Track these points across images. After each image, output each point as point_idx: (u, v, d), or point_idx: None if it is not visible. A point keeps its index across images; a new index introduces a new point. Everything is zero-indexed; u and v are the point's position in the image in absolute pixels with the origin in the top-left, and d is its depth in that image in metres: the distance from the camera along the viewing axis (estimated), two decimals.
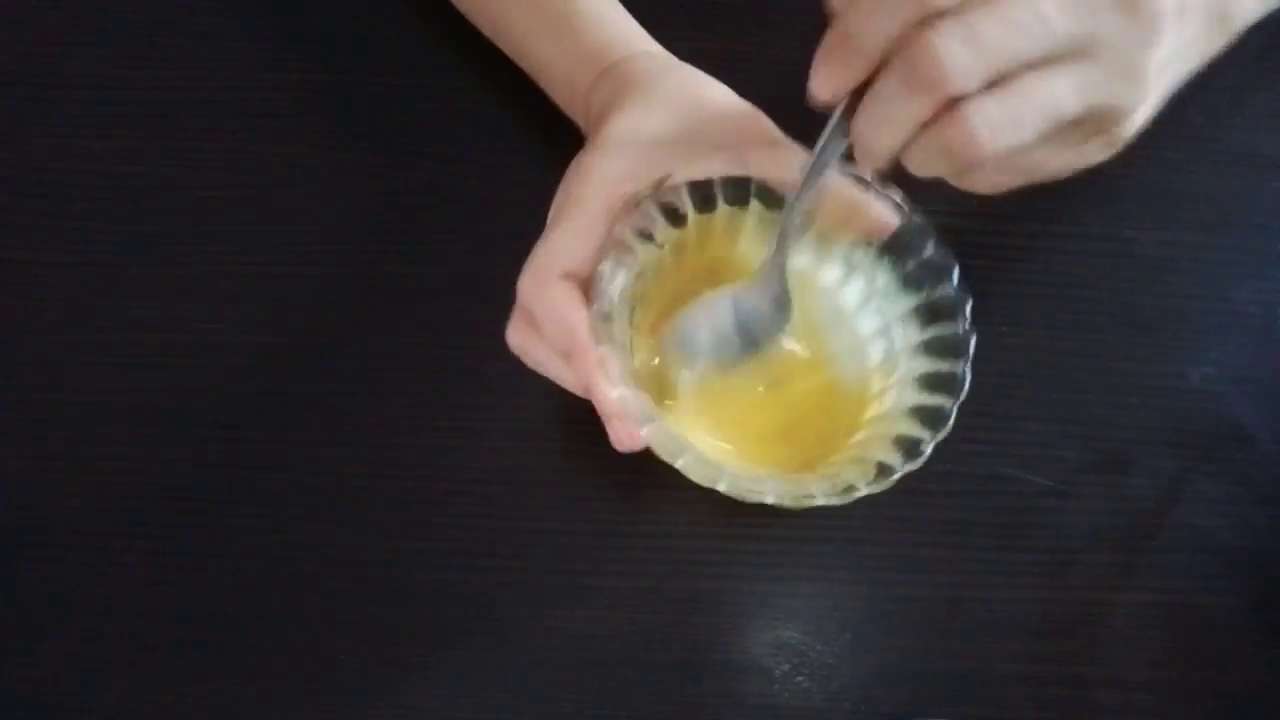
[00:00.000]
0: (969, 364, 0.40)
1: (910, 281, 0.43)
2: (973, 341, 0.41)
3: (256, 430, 0.49)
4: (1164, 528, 0.48)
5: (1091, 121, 0.36)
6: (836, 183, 0.41)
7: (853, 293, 0.45)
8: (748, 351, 0.43)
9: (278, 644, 0.46)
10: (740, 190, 0.42)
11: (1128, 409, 0.50)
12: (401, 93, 0.55)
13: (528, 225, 0.42)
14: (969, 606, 0.47)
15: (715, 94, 0.44)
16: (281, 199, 0.53)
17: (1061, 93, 0.34)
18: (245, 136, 0.54)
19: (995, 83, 0.34)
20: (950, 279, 0.42)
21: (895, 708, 0.45)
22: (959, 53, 0.33)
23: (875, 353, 0.44)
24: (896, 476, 0.39)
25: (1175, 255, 0.53)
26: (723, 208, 0.43)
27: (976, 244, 0.51)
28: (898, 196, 0.42)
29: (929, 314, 0.42)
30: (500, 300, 0.42)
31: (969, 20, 0.33)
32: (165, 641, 0.46)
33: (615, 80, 0.45)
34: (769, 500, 0.38)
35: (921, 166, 0.36)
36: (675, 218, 0.42)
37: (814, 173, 0.38)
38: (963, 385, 0.40)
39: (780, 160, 0.42)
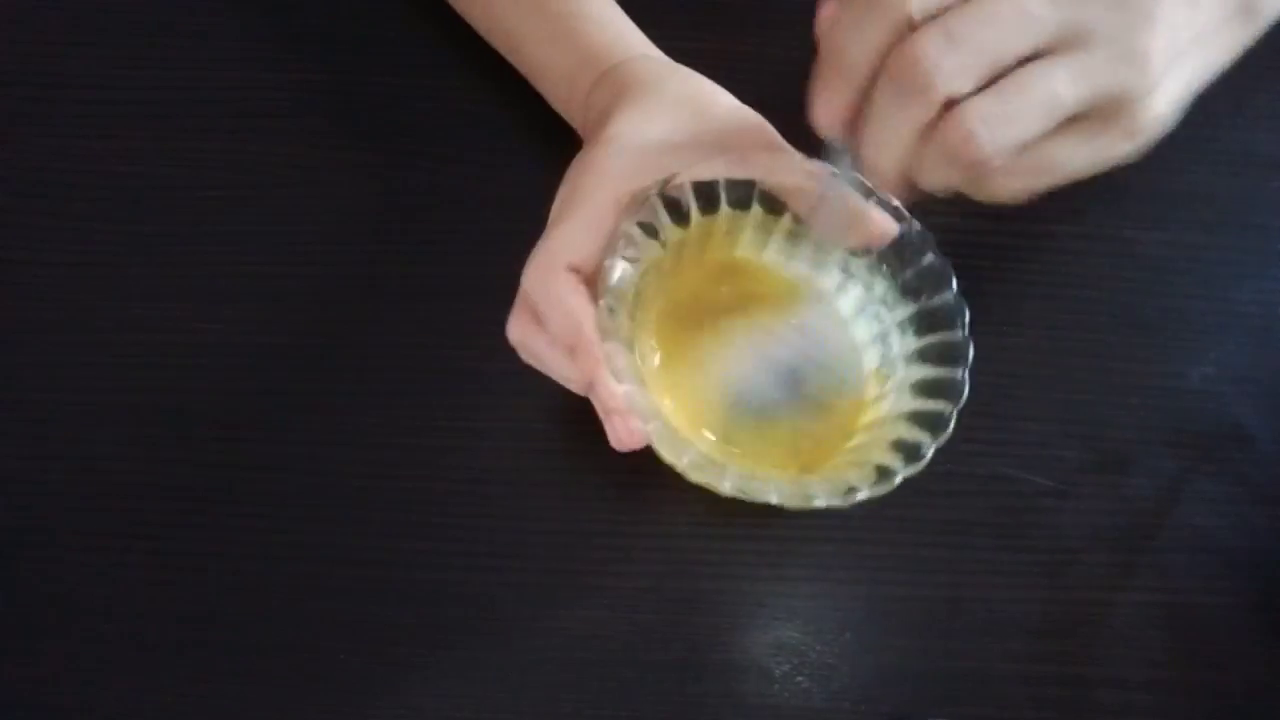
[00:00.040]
0: (968, 370, 0.40)
1: (908, 289, 0.43)
2: (971, 348, 0.41)
3: (256, 430, 0.49)
4: (1164, 528, 0.48)
5: (1099, 111, 0.35)
6: (837, 190, 0.41)
7: (849, 300, 0.45)
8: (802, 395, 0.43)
9: (278, 644, 0.46)
10: (743, 193, 0.42)
11: (1128, 409, 0.50)
12: (401, 93, 0.55)
13: (528, 225, 0.42)
14: (969, 606, 0.47)
15: (718, 98, 0.44)
16: (281, 199, 0.53)
17: (1057, 82, 0.34)
18: (245, 136, 0.54)
19: (991, 81, 0.34)
20: (949, 287, 0.41)
21: (895, 708, 0.45)
22: (941, 53, 0.33)
23: (871, 359, 0.44)
24: (898, 480, 0.39)
25: (1175, 255, 0.53)
26: (725, 210, 0.43)
27: (976, 244, 0.51)
28: (897, 204, 0.42)
29: (927, 321, 0.42)
30: (500, 300, 0.42)
31: (946, 21, 0.33)
32: (165, 641, 0.46)
33: (616, 83, 0.45)
34: (772, 500, 0.38)
35: (933, 178, 0.36)
36: (680, 216, 0.42)
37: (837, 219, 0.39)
38: (962, 391, 0.40)
39: (783, 165, 0.41)
